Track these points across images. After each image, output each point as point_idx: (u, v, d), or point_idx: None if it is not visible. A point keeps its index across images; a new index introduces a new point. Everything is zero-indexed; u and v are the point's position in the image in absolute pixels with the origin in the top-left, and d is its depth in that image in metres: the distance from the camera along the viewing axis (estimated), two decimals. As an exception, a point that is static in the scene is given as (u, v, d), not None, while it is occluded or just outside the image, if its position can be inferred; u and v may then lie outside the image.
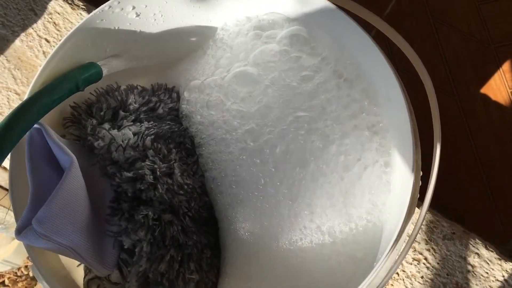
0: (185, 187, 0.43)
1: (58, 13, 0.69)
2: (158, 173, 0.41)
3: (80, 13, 0.69)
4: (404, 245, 0.35)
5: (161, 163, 0.42)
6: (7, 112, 0.65)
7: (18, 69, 0.66)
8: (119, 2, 0.44)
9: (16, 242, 0.88)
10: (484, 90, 0.94)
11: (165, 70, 0.53)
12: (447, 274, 0.57)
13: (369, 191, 0.43)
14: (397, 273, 0.58)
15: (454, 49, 0.97)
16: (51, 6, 0.69)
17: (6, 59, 0.67)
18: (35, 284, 0.93)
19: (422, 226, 0.59)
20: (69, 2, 0.69)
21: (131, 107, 0.45)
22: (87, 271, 0.42)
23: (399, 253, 0.35)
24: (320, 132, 0.45)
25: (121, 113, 0.44)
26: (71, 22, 0.68)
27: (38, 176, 0.38)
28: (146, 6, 0.46)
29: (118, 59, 0.48)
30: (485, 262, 0.58)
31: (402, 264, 0.58)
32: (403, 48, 0.40)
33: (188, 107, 0.50)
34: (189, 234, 0.43)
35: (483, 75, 0.95)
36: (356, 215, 0.43)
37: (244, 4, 0.49)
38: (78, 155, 0.39)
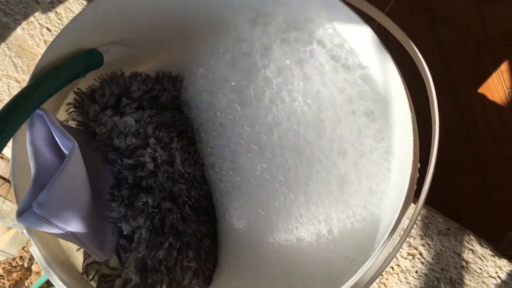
0: (186, 175, 0.43)
1: (60, 2, 0.69)
2: (159, 161, 0.41)
3: (82, 3, 0.69)
4: (399, 238, 0.35)
5: (162, 151, 0.42)
6: (7, 99, 0.65)
7: (19, 57, 0.66)
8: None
9: (12, 232, 0.88)
10: (482, 89, 0.95)
11: (169, 57, 0.53)
12: (441, 269, 0.58)
13: (367, 178, 0.43)
14: (392, 267, 0.58)
15: (453, 48, 0.98)
16: (53, -5, 0.69)
17: (7, 47, 0.67)
18: (30, 275, 0.93)
19: (417, 222, 0.60)
20: (71, -9, 0.69)
21: (134, 94, 0.45)
22: (86, 255, 0.42)
23: (395, 244, 0.35)
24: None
25: (124, 100, 0.44)
26: (73, 11, 0.68)
27: (39, 160, 0.38)
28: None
29: (119, 45, 0.48)
30: (479, 258, 0.58)
31: (397, 259, 0.58)
32: (405, 44, 0.40)
33: (187, 93, 0.51)
34: (188, 223, 0.43)
35: (481, 74, 0.95)
36: (353, 202, 0.43)
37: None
38: (80, 140, 0.39)
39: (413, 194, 0.37)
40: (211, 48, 0.51)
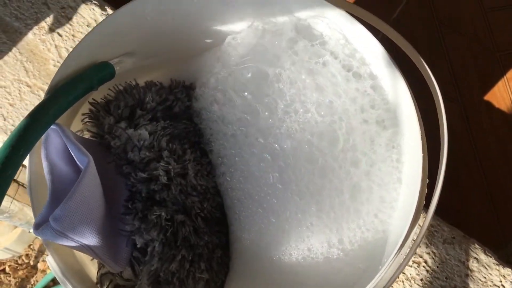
0: (198, 188, 0.44)
1: (71, 8, 0.69)
2: (172, 173, 0.42)
3: (93, 9, 0.69)
4: (408, 250, 0.36)
5: (175, 163, 0.42)
6: (18, 103, 0.66)
7: (30, 62, 0.67)
8: (142, 2, 0.44)
9: (18, 230, 0.89)
10: (488, 97, 0.95)
11: (181, 66, 0.53)
12: (446, 278, 0.59)
13: (379, 186, 0.43)
14: (397, 275, 0.59)
15: (460, 54, 0.98)
16: (64, 0, 0.69)
17: (19, 52, 0.67)
18: (36, 273, 0.93)
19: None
20: (82, -4, 0.70)
21: (148, 105, 0.45)
22: (100, 265, 0.42)
23: (404, 256, 0.36)
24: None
25: (138, 111, 0.44)
26: (84, 17, 0.68)
27: (55, 174, 0.39)
28: (165, 6, 0.46)
29: (131, 57, 0.48)
30: (483, 267, 0.59)
31: (403, 267, 0.59)
32: (413, 57, 0.41)
33: (199, 104, 0.51)
34: (201, 235, 0.43)
35: (487, 82, 0.95)
36: (365, 211, 0.43)
37: (257, 11, 0.49)
38: (95, 152, 0.40)
39: (422, 209, 0.38)
40: (222, 59, 0.51)
